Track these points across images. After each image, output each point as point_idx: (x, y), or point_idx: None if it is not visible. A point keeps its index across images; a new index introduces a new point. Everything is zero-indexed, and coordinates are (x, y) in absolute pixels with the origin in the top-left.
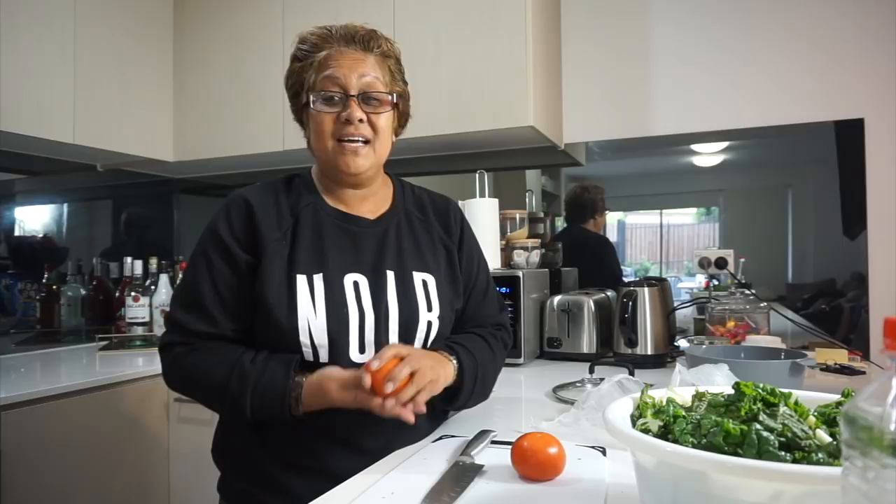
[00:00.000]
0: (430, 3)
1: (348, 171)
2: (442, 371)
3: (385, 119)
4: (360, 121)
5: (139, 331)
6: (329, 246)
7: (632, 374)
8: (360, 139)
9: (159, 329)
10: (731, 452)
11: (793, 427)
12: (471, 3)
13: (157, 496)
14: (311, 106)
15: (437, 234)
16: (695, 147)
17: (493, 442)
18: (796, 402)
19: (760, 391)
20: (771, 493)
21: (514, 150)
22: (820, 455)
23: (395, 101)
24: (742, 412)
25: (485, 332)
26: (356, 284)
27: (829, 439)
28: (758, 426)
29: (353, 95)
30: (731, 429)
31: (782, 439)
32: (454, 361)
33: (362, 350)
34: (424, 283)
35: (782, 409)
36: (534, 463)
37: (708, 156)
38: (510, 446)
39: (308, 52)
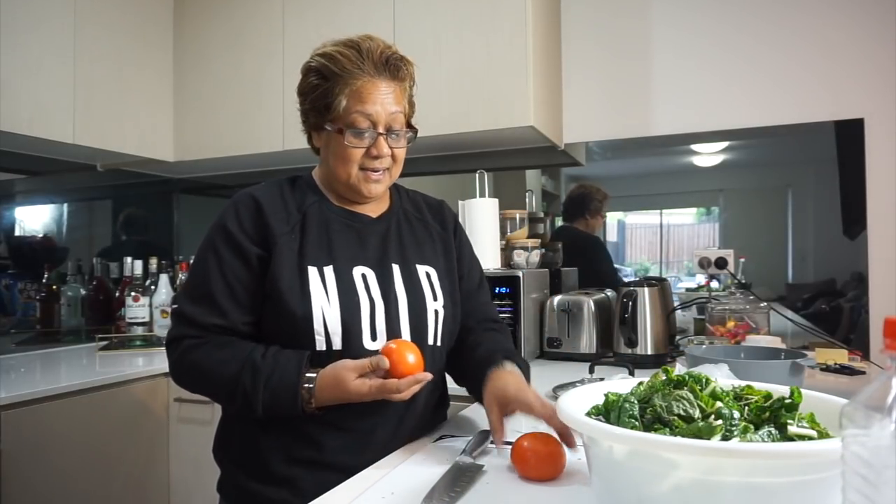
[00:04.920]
0: (430, 3)
1: (369, 195)
2: None
3: (403, 150)
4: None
5: (139, 331)
6: (336, 240)
7: (632, 374)
8: (382, 169)
9: (159, 329)
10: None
11: (673, 405)
12: (471, 3)
13: (157, 496)
14: (344, 139)
15: (433, 230)
16: (695, 147)
17: (494, 442)
18: (713, 389)
19: (687, 377)
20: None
21: (514, 150)
22: (679, 429)
23: (413, 132)
24: (645, 391)
25: (500, 326)
26: (364, 276)
27: (703, 422)
28: (631, 400)
29: (383, 133)
30: (610, 399)
31: (656, 414)
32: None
33: (374, 338)
34: (428, 275)
35: (679, 391)
36: (534, 463)
37: (708, 156)
38: (510, 446)
39: (337, 75)
